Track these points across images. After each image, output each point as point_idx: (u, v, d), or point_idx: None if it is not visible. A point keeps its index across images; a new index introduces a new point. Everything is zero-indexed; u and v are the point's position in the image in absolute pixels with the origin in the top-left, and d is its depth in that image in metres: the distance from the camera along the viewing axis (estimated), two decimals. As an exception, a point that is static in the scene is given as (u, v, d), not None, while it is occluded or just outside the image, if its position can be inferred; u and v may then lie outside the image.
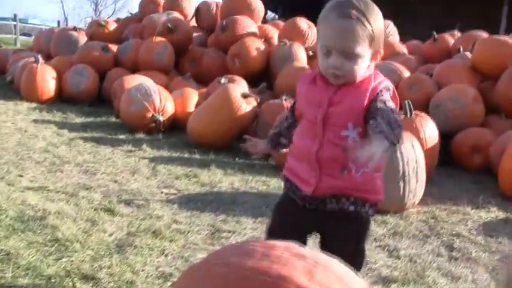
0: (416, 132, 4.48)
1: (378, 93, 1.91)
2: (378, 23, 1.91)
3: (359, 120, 1.92)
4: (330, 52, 1.90)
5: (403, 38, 10.05)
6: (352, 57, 1.88)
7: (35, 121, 6.55)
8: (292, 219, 2.12)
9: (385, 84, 1.95)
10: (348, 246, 2.04)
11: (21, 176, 4.12)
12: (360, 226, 2.09)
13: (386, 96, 1.93)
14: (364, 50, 1.89)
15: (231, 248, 1.36)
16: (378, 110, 1.86)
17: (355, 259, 1.95)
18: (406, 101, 4.84)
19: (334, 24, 1.88)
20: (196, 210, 3.62)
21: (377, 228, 3.49)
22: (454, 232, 3.53)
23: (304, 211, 2.08)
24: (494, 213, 4.06)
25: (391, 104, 1.90)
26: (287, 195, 2.15)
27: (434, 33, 8.49)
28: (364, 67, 1.92)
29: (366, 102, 1.91)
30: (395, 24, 9.85)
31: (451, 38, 8.55)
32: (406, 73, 6.84)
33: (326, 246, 2.05)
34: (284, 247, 1.28)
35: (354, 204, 2.01)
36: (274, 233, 2.13)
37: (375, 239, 3.30)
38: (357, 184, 1.98)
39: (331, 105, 1.93)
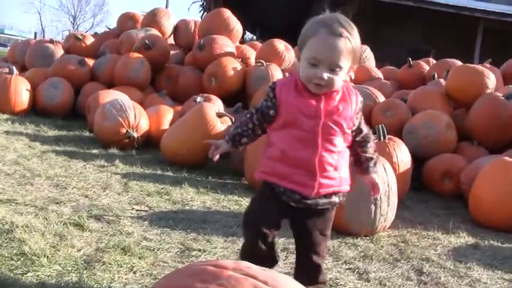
0: (389, 157, 4.52)
1: (359, 108, 2.31)
2: (358, 41, 2.18)
3: (348, 127, 2.28)
4: (318, 64, 2.12)
5: (381, 61, 10.16)
6: (336, 70, 2.13)
7: (7, 133, 6.44)
8: (275, 215, 2.36)
9: (361, 98, 2.32)
10: (326, 230, 2.41)
11: (-11, 187, 4.05)
12: (334, 212, 2.45)
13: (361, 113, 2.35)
14: (346, 64, 2.14)
15: (184, 269, 1.37)
16: (366, 135, 2.40)
17: (327, 241, 2.45)
18: (380, 126, 4.88)
19: (327, 40, 2.11)
20: (167, 227, 3.58)
21: (347, 250, 3.49)
22: (423, 256, 3.55)
23: (290, 208, 2.32)
24: (464, 238, 4.10)
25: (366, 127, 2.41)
26: (274, 195, 2.31)
27: (410, 59, 8.61)
28: (342, 79, 2.18)
29: (354, 113, 2.28)
30: (373, 47, 9.97)
31: (426, 65, 8.68)
32: (381, 98, 6.90)
33: (305, 234, 2.39)
34: (234, 266, 1.28)
35: (338, 196, 2.36)
36: (254, 223, 2.37)
37: (345, 261, 3.30)
38: (343, 180, 2.34)
39: (327, 116, 2.19)
